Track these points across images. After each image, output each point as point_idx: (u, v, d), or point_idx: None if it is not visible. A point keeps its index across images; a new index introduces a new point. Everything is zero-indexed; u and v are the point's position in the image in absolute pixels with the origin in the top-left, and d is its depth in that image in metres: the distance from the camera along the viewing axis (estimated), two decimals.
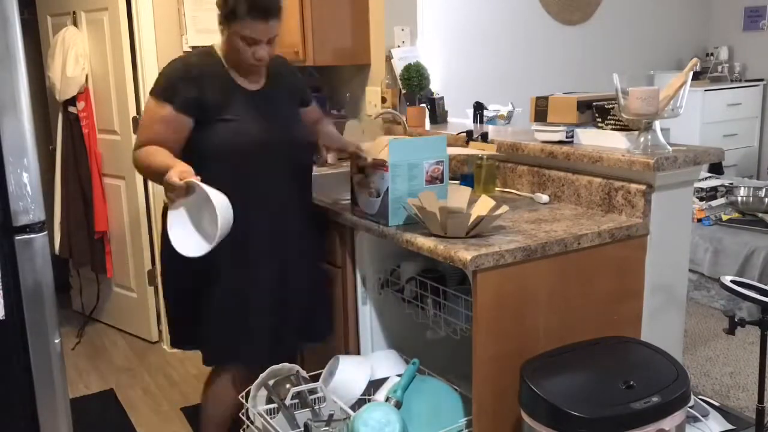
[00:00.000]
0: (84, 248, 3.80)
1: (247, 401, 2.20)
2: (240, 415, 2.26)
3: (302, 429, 2.01)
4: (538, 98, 2.48)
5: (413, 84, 3.09)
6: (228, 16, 2.07)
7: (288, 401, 2.11)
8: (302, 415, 2.08)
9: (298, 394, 2.12)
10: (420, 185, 2.08)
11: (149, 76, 3.43)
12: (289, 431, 2.04)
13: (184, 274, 2.17)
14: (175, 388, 3.26)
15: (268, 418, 2.10)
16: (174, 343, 2.41)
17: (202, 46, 2.28)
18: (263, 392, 2.20)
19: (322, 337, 2.42)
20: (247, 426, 2.21)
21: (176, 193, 1.94)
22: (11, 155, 1.71)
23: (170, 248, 1.95)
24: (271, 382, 2.18)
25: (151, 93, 2.14)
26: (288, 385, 2.17)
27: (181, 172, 1.91)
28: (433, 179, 2.12)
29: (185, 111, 2.09)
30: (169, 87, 2.11)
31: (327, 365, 2.25)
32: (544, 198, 2.33)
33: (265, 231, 2.19)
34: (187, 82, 2.11)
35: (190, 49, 3.47)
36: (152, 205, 3.59)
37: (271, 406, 2.15)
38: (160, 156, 2.05)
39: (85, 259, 3.82)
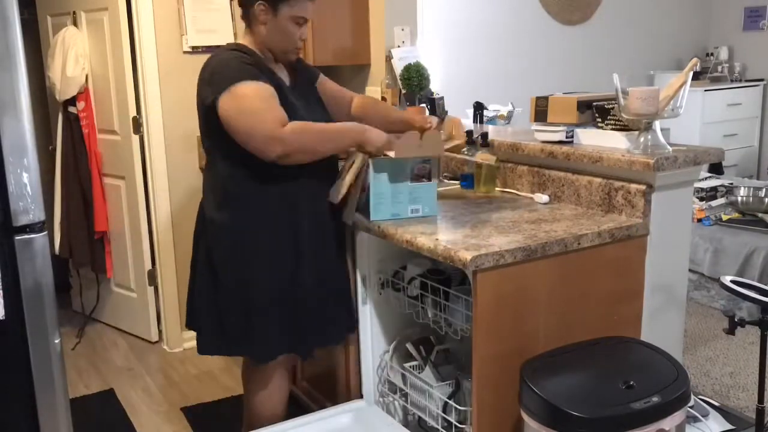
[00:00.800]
0: (84, 248, 3.80)
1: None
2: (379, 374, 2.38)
3: (453, 381, 2.18)
4: (538, 98, 2.48)
5: (413, 84, 3.09)
6: (276, 1, 2.04)
7: (433, 358, 2.28)
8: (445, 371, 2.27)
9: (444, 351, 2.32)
10: (405, 183, 2.10)
11: (149, 76, 3.43)
12: (437, 383, 2.20)
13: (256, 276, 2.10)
14: (175, 388, 3.26)
15: (417, 374, 2.26)
16: (217, 350, 2.22)
17: (233, 43, 2.21)
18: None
19: (352, 328, 2.36)
20: (385, 383, 2.41)
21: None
22: (11, 155, 1.71)
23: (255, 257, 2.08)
24: (408, 344, 2.35)
25: (236, 81, 1.97)
26: (421, 347, 2.35)
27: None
28: (419, 177, 2.13)
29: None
30: (246, 70, 2.00)
31: None
32: (544, 198, 2.33)
33: (313, 224, 2.15)
34: (253, 66, 2.04)
35: (190, 50, 3.48)
36: (152, 205, 3.59)
37: (413, 363, 2.35)
38: (317, 124, 2.04)
39: (85, 259, 3.82)
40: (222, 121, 2.00)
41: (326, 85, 2.36)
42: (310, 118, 2.08)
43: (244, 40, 2.15)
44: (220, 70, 2.03)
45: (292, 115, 2.02)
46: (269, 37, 2.10)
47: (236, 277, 2.11)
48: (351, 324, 2.32)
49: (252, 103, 1.96)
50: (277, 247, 2.10)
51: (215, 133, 2.06)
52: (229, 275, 2.11)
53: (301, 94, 2.19)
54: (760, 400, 2.13)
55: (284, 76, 2.19)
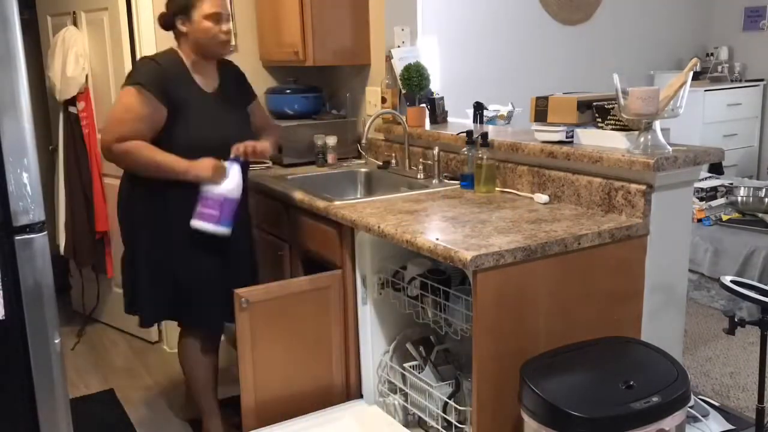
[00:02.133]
0: (87, 248, 3.79)
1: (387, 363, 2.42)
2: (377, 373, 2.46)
3: (453, 381, 2.23)
4: (538, 98, 2.48)
5: (413, 84, 3.09)
6: (186, 5, 2.30)
7: (433, 358, 2.32)
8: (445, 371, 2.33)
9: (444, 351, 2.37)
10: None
11: None
12: (437, 383, 2.24)
13: (164, 248, 2.41)
14: (175, 388, 3.26)
15: (417, 374, 2.28)
16: (151, 320, 2.57)
17: (168, 49, 2.44)
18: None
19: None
20: (385, 383, 2.45)
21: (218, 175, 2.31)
22: (11, 155, 1.71)
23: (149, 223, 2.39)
24: (408, 344, 2.40)
25: (130, 83, 2.28)
26: (421, 347, 2.40)
27: (216, 161, 2.30)
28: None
29: (162, 101, 2.26)
30: (148, 79, 2.27)
31: None
32: (544, 198, 2.33)
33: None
34: (161, 77, 2.29)
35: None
36: None
37: (413, 363, 2.39)
38: (159, 153, 2.28)
39: (88, 258, 3.82)
40: None
41: (255, 112, 2.64)
42: (220, 126, 2.38)
43: (178, 48, 2.41)
44: (134, 67, 2.46)
45: (189, 123, 2.32)
46: (195, 42, 2.36)
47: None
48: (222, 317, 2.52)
49: (120, 108, 2.29)
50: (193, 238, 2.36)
51: None
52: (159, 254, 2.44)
53: (222, 101, 2.44)
54: (760, 400, 2.13)
55: (209, 81, 2.43)
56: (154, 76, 2.29)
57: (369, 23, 3.31)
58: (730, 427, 2.62)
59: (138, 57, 3.45)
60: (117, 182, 3.71)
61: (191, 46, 2.37)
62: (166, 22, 2.38)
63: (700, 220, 4.13)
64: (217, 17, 2.33)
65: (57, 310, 1.84)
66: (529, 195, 2.42)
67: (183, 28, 2.34)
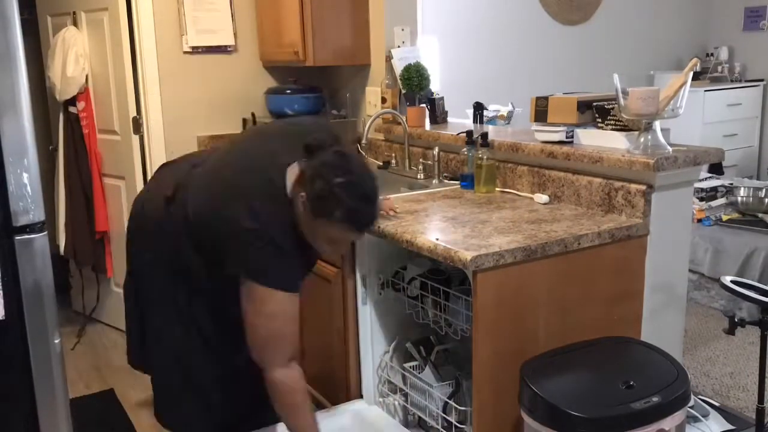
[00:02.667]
0: (87, 248, 3.79)
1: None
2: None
3: (453, 381, 2.20)
4: (538, 98, 2.48)
5: (413, 84, 3.09)
6: (318, 209, 1.74)
7: (433, 358, 2.30)
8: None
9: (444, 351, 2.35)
10: None
11: (149, 76, 3.43)
12: (437, 383, 2.21)
13: None
14: None
15: (417, 374, 2.28)
16: None
17: (276, 201, 1.79)
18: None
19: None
20: (385, 383, 2.43)
21: None
22: (11, 155, 1.71)
23: None
24: (408, 344, 2.38)
25: (274, 283, 1.78)
26: (421, 347, 2.37)
27: None
28: None
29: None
30: (289, 270, 1.82)
31: None
32: (544, 198, 2.33)
33: None
34: (296, 261, 1.84)
35: (190, 50, 3.48)
36: None
37: (413, 363, 2.38)
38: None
39: (88, 258, 3.82)
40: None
41: None
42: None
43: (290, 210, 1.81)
44: (257, 241, 1.76)
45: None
46: (302, 228, 1.82)
47: None
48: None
49: (281, 323, 1.82)
50: None
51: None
52: None
53: None
54: (760, 400, 2.13)
55: None
56: (291, 256, 1.83)
57: (369, 23, 3.31)
58: (730, 427, 2.61)
59: (138, 57, 3.45)
60: (117, 182, 3.76)
61: (301, 222, 1.81)
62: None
63: (700, 220, 4.13)
64: (335, 244, 1.86)
65: (57, 310, 1.84)
66: (529, 195, 2.42)
67: (300, 209, 1.78)
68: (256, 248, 1.76)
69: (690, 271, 2.97)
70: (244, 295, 1.81)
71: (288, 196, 1.80)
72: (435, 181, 2.77)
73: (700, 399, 2.73)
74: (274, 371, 1.83)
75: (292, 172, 1.81)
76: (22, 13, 1.73)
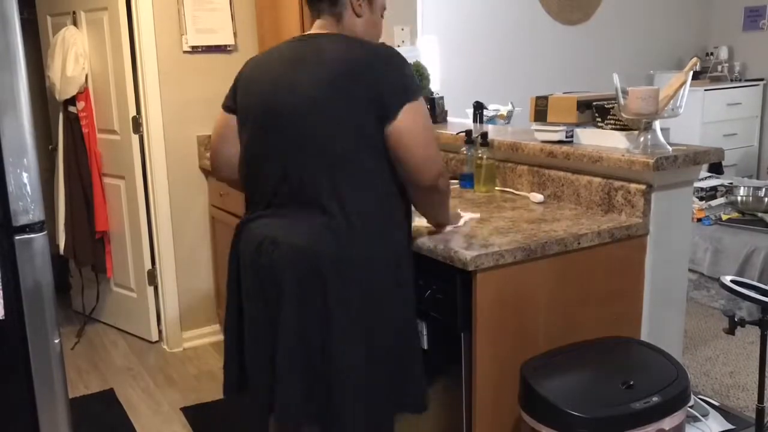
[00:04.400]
0: (86, 248, 3.80)
1: None
2: None
3: None
4: (537, 98, 2.48)
5: None
6: None
7: None
8: None
9: None
10: None
11: (149, 76, 3.43)
12: None
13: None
14: (175, 388, 3.26)
15: None
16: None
17: (368, 40, 1.81)
18: None
19: None
20: None
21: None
22: (11, 155, 1.71)
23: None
24: None
25: (420, 93, 1.73)
26: None
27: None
28: None
29: None
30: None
31: None
32: (539, 197, 2.34)
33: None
34: None
35: (190, 49, 3.48)
36: (152, 205, 3.60)
37: None
38: None
39: (88, 258, 3.83)
40: (394, 132, 1.67)
41: None
42: None
43: (350, 28, 1.82)
44: (409, 73, 1.74)
45: None
46: (366, 32, 1.84)
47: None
48: None
49: (431, 124, 1.74)
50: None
51: (372, 146, 1.69)
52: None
53: None
54: (760, 400, 2.13)
55: None
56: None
57: None
58: (730, 426, 2.61)
59: (138, 57, 3.45)
60: (117, 182, 3.77)
61: (359, 35, 1.83)
62: None
63: (700, 220, 4.13)
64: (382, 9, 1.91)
65: (57, 310, 1.84)
66: (525, 194, 2.42)
67: (359, 9, 1.82)
68: (410, 76, 1.74)
69: (690, 270, 2.97)
70: (407, 122, 1.67)
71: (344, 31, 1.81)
72: None
73: (699, 399, 2.73)
74: (441, 174, 1.73)
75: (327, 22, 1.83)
76: (22, 13, 1.73)
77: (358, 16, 1.82)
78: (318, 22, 1.84)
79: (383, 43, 1.84)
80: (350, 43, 1.74)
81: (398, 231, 1.78)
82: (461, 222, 2.06)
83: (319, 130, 1.68)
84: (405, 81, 1.70)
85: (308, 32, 1.85)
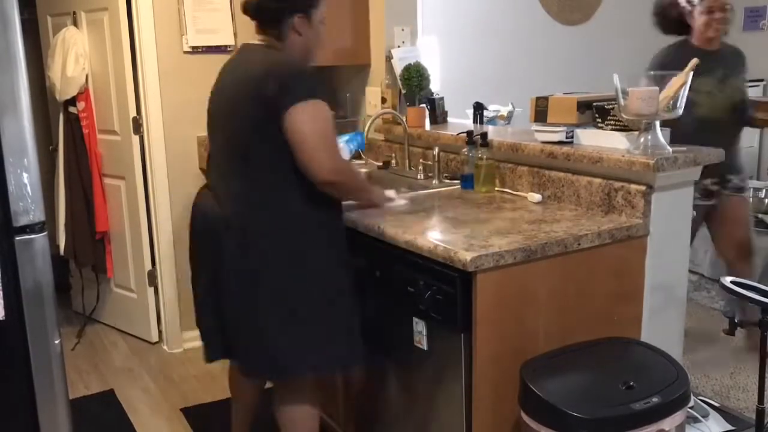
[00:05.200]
0: (87, 248, 3.80)
1: None
2: None
3: None
4: (538, 98, 2.48)
5: (413, 84, 3.09)
6: (310, 2, 2.06)
7: None
8: None
9: None
10: None
11: (149, 76, 3.43)
12: None
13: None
14: (175, 389, 3.26)
15: None
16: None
17: (269, 47, 2.06)
18: None
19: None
20: None
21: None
22: (11, 155, 1.71)
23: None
24: None
25: (315, 95, 1.94)
26: None
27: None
28: None
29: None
30: (321, 87, 1.99)
31: None
32: (537, 197, 2.34)
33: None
34: (323, 86, 2.04)
35: (190, 50, 3.48)
36: (152, 206, 3.59)
37: None
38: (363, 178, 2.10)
39: (88, 259, 3.83)
40: (288, 131, 1.92)
41: None
42: None
43: (281, 49, 2.06)
44: (299, 76, 1.95)
45: None
46: (306, 47, 2.09)
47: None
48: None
49: (326, 125, 1.95)
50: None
51: (270, 142, 1.96)
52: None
53: None
54: (760, 400, 2.13)
55: None
56: (319, 81, 2.00)
57: (369, 23, 3.31)
58: (730, 427, 2.62)
59: (138, 57, 3.45)
60: (117, 182, 3.76)
61: (298, 50, 2.07)
62: (270, 13, 2.03)
63: None
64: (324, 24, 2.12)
65: (57, 310, 1.84)
66: (523, 194, 2.42)
67: (301, 29, 2.05)
68: (298, 79, 1.94)
69: (690, 271, 2.97)
70: (293, 123, 1.90)
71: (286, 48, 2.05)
72: (435, 182, 2.77)
73: (700, 399, 2.73)
74: (333, 164, 1.94)
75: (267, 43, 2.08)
76: (22, 13, 1.73)
77: (300, 35, 2.07)
78: (260, 37, 2.11)
79: (292, 58, 2.07)
80: (266, 55, 2.04)
81: (301, 205, 2.00)
82: (397, 202, 2.28)
83: (234, 127, 2.03)
84: (293, 85, 1.91)
85: (251, 42, 2.12)
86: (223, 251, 2.04)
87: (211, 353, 2.22)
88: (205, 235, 2.12)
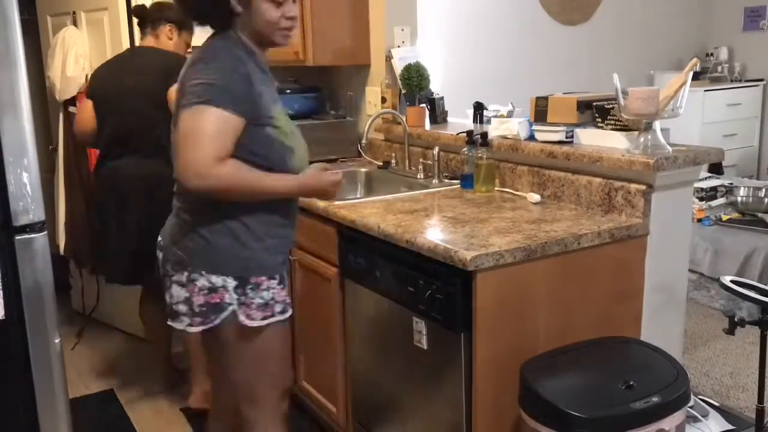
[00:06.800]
0: (87, 248, 3.79)
1: None
2: None
3: None
4: (538, 98, 2.48)
5: (413, 84, 3.09)
6: None
7: None
8: None
9: None
10: None
11: None
12: None
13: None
14: (175, 388, 3.26)
15: None
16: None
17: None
18: None
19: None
20: None
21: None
22: (11, 155, 1.71)
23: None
24: None
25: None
26: None
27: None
28: None
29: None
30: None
31: None
32: (536, 197, 2.34)
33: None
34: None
35: (190, 50, 3.47)
36: None
37: None
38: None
39: (88, 259, 3.82)
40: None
41: None
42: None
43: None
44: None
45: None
46: (175, 50, 2.27)
47: None
48: None
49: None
50: None
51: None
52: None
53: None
54: (760, 400, 2.13)
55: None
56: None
57: (369, 23, 3.31)
58: (730, 427, 2.62)
59: None
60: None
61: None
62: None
63: (700, 220, 4.13)
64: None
65: (57, 310, 1.84)
66: (523, 194, 2.42)
67: (172, 37, 2.18)
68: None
69: (690, 271, 2.97)
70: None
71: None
72: (435, 181, 2.77)
73: (699, 399, 2.73)
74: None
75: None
76: (22, 13, 1.73)
77: (170, 39, 2.82)
78: (143, 40, 2.86)
79: (177, 54, 2.78)
80: (156, 55, 2.77)
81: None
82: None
83: (134, 113, 2.75)
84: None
85: (136, 45, 2.62)
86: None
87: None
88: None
